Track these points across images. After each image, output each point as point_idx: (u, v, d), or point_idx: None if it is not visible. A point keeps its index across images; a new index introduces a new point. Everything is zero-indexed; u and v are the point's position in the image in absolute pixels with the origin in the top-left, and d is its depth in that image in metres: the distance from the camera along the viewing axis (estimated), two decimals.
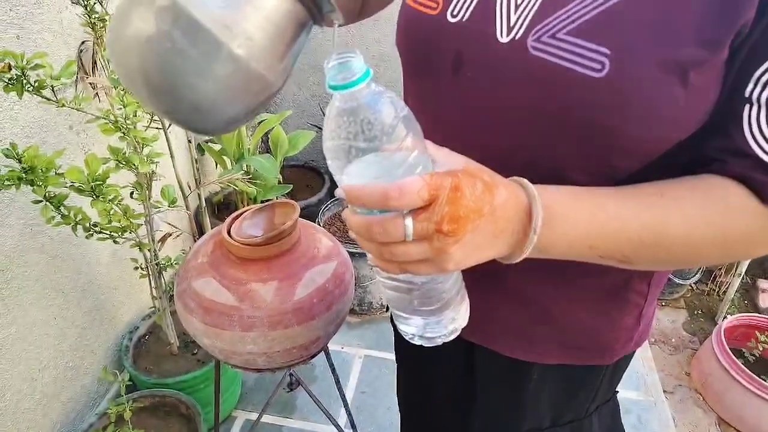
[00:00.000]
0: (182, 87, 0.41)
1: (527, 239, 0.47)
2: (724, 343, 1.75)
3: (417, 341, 0.54)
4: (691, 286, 2.32)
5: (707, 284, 2.32)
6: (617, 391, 0.82)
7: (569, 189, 0.50)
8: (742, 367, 1.68)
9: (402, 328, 0.55)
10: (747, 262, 2.03)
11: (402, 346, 0.96)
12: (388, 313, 1.12)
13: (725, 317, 2.05)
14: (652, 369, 1.95)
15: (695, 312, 2.24)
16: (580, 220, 0.49)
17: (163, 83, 0.41)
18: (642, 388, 1.87)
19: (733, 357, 1.71)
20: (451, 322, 0.53)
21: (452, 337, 0.54)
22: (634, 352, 0.74)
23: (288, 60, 0.46)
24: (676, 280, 2.20)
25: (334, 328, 1.16)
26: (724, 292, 2.19)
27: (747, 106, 0.47)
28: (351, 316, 2.05)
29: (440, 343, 0.54)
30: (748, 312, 2.09)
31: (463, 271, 0.61)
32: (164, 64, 0.41)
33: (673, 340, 2.10)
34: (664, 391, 1.87)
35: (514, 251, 0.48)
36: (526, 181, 0.48)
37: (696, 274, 2.26)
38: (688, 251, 0.50)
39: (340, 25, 0.49)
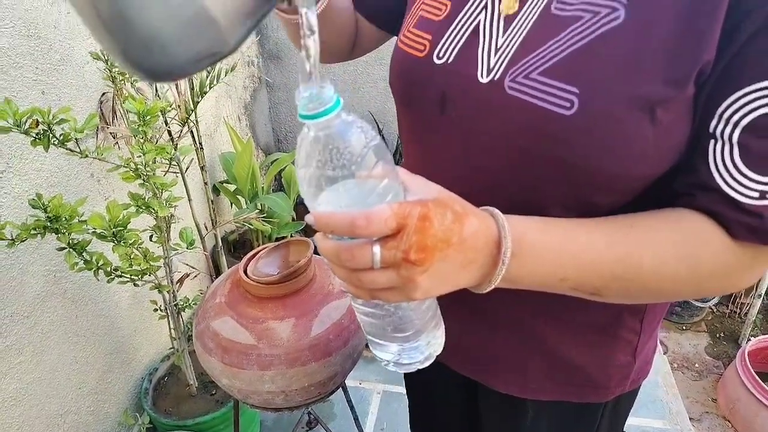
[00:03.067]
0: (129, 7, 0.39)
1: (496, 269, 0.47)
2: (750, 366, 1.72)
3: (392, 368, 0.55)
4: (711, 308, 2.28)
5: (728, 306, 2.29)
6: None
7: (540, 220, 0.51)
8: None
9: (378, 354, 0.55)
10: (767, 282, 2.01)
11: (411, 378, 0.96)
12: None
13: (748, 339, 2.01)
14: (676, 396, 1.91)
15: (717, 335, 2.20)
16: (550, 251, 0.49)
17: (113, 4, 0.39)
18: (667, 417, 1.83)
19: (760, 381, 1.68)
20: (426, 348, 0.53)
21: (427, 363, 0.54)
22: (636, 390, 0.73)
23: (244, 22, 0.43)
24: (696, 303, 2.18)
25: (351, 363, 1.16)
26: (746, 313, 2.15)
27: (712, 142, 0.49)
28: (368, 350, 2.04)
29: (415, 370, 0.54)
30: None
31: (455, 305, 0.62)
32: None
33: (697, 365, 2.07)
34: (691, 419, 1.83)
35: (483, 281, 0.49)
36: (497, 211, 0.49)
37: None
38: (660, 285, 0.51)
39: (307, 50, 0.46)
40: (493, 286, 0.49)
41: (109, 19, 0.39)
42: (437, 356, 0.55)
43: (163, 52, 0.41)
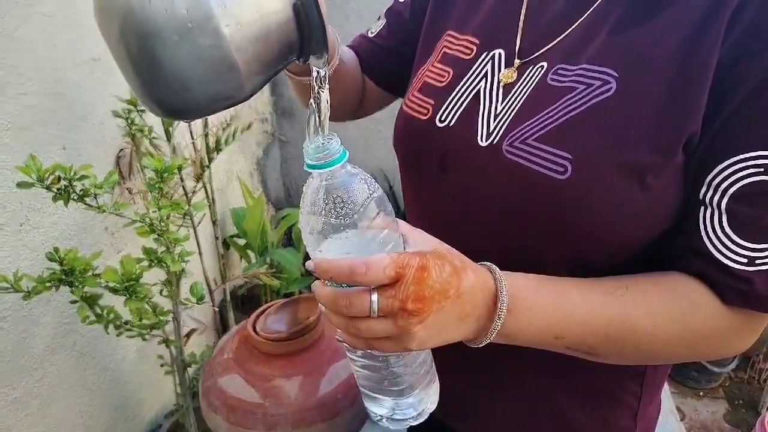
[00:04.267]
0: (160, 44, 0.41)
1: (492, 324, 0.48)
2: None
3: (385, 423, 0.54)
4: (729, 374, 2.23)
5: (746, 371, 2.23)
6: None
7: (537, 278, 0.52)
8: None
9: (371, 408, 0.55)
10: None
11: None
12: None
13: None
14: None
15: (736, 402, 2.14)
16: (545, 309, 0.50)
17: (144, 41, 0.41)
18: None
19: None
20: (419, 404, 0.53)
21: (420, 419, 0.54)
22: None
23: (262, 71, 0.45)
24: (713, 368, 2.12)
25: (359, 424, 1.14)
26: (765, 379, 2.10)
27: (702, 208, 0.50)
28: None
29: (407, 426, 0.54)
30: None
31: (460, 363, 0.62)
32: (148, 20, 0.40)
33: None
34: None
35: (479, 335, 0.49)
36: (495, 267, 0.50)
37: (733, 361, 2.18)
38: (653, 346, 0.52)
39: (318, 78, 0.49)
40: (488, 341, 0.49)
41: (137, 54, 0.42)
42: (443, 416, 0.54)
43: (185, 91, 0.43)
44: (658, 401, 0.71)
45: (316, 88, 0.46)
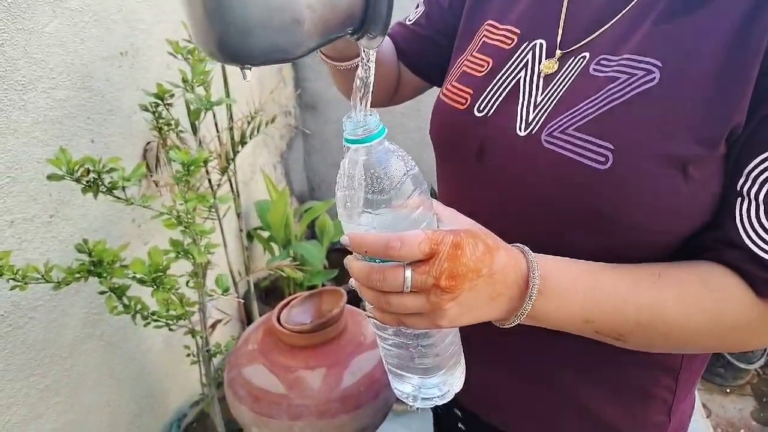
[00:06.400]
0: None
1: (522, 305, 0.48)
2: None
3: (411, 402, 0.55)
4: (756, 371, 2.18)
5: None
6: None
7: (569, 261, 0.52)
8: None
9: (397, 387, 0.56)
10: None
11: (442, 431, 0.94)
12: None
13: None
14: None
15: (764, 399, 2.09)
16: (577, 292, 0.50)
17: None
18: None
19: None
20: (444, 385, 0.54)
21: (445, 400, 0.54)
22: None
23: (321, 35, 0.45)
24: (740, 365, 2.08)
25: (381, 417, 1.14)
26: None
27: (739, 200, 0.49)
28: (396, 403, 2.01)
29: (432, 406, 0.54)
30: None
31: (488, 350, 0.61)
32: None
33: (742, 430, 1.96)
34: None
35: (508, 316, 0.49)
36: (527, 248, 0.50)
37: (761, 358, 2.13)
38: (682, 335, 0.51)
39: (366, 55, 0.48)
40: (517, 322, 0.50)
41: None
42: (472, 407, 0.54)
43: (245, 33, 0.42)
44: (692, 397, 0.70)
45: (363, 61, 0.46)
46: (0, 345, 1.05)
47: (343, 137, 0.45)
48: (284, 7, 0.42)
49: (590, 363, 0.62)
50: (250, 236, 2.11)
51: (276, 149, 2.43)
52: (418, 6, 0.80)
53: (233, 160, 1.50)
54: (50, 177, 0.94)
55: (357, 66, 0.48)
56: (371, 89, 0.46)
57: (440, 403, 0.54)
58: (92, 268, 1.00)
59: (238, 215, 1.75)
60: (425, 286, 0.43)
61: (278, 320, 1.14)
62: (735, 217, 0.50)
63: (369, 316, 0.51)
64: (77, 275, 0.99)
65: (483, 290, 0.45)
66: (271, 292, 2.27)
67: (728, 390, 2.13)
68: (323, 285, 2.05)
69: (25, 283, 0.93)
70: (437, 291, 0.43)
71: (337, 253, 2.56)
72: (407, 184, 0.45)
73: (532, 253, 0.49)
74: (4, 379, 1.07)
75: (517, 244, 0.51)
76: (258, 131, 1.51)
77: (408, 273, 0.43)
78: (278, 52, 0.44)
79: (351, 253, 0.47)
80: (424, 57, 0.79)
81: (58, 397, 1.22)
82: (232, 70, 1.60)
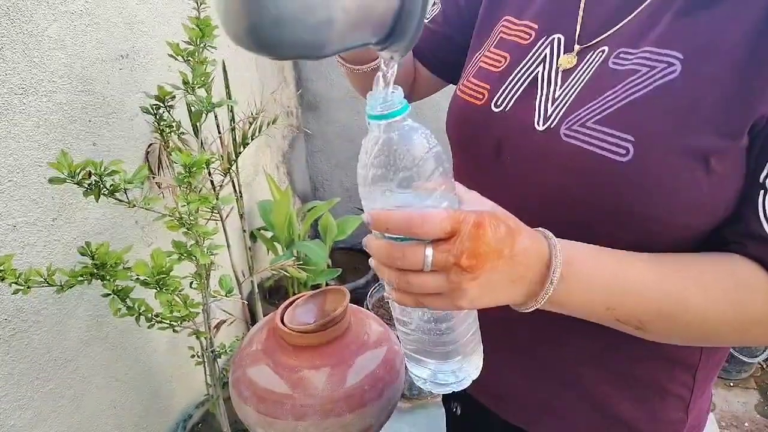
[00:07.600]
0: None
1: (543, 289, 0.47)
2: None
3: (428, 387, 0.54)
4: (760, 364, 2.17)
5: None
6: None
7: (592, 248, 0.51)
8: None
9: (414, 371, 0.55)
10: None
11: (455, 428, 0.94)
12: (440, 398, 1.11)
13: None
14: None
15: None
16: (599, 279, 0.49)
17: None
18: None
19: None
20: (460, 370, 0.53)
21: (461, 387, 0.54)
22: None
23: (347, 41, 0.44)
24: (743, 358, 2.07)
25: (386, 416, 1.14)
26: None
27: (761, 192, 0.49)
28: (402, 401, 2.01)
29: (448, 392, 0.54)
30: None
31: (507, 342, 0.60)
32: None
33: (747, 424, 1.95)
34: None
35: (528, 300, 0.49)
36: (550, 233, 0.49)
37: (765, 351, 2.12)
38: (704, 327, 0.50)
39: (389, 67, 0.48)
40: (537, 306, 0.49)
41: None
42: (489, 405, 0.54)
43: (275, 25, 0.41)
44: (709, 393, 0.70)
45: (389, 61, 0.46)
46: (4, 349, 1.05)
47: (365, 113, 0.45)
48: (321, 4, 0.41)
49: (608, 360, 0.62)
50: (253, 236, 2.11)
51: (278, 149, 2.43)
52: (435, 3, 0.80)
53: (235, 161, 1.50)
54: (51, 180, 0.94)
55: (371, 69, 0.47)
56: (397, 67, 0.45)
57: (457, 389, 0.54)
58: (95, 270, 1.00)
59: (241, 216, 1.75)
60: (446, 265, 0.42)
61: (282, 320, 1.14)
62: (757, 209, 0.49)
63: (387, 298, 0.50)
64: (80, 278, 0.99)
65: (504, 271, 0.45)
66: (275, 292, 2.27)
67: (732, 384, 2.12)
68: (327, 284, 2.05)
69: (28, 287, 0.93)
70: (458, 270, 0.42)
71: (340, 251, 2.57)
72: (429, 162, 0.44)
73: (555, 238, 0.49)
74: (9, 383, 1.08)
75: (540, 229, 0.50)
76: (260, 132, 1.51)
77: (429, 251, 0.42)
78: (304, 47, 0.44)
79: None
80: (440, 54, 0.79)
81: (63, 400, 1.22)
82: (232, 70, 1.60)
